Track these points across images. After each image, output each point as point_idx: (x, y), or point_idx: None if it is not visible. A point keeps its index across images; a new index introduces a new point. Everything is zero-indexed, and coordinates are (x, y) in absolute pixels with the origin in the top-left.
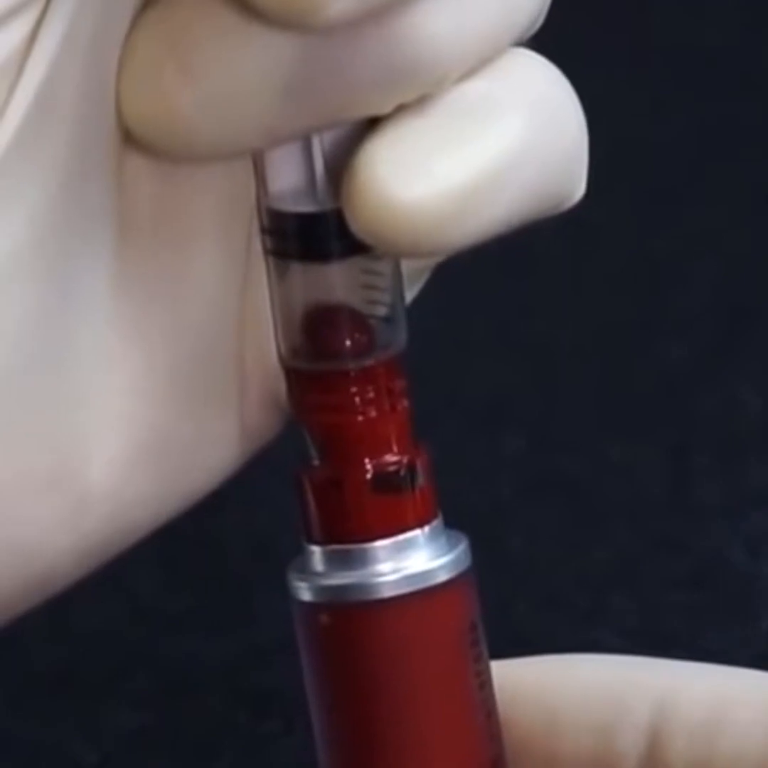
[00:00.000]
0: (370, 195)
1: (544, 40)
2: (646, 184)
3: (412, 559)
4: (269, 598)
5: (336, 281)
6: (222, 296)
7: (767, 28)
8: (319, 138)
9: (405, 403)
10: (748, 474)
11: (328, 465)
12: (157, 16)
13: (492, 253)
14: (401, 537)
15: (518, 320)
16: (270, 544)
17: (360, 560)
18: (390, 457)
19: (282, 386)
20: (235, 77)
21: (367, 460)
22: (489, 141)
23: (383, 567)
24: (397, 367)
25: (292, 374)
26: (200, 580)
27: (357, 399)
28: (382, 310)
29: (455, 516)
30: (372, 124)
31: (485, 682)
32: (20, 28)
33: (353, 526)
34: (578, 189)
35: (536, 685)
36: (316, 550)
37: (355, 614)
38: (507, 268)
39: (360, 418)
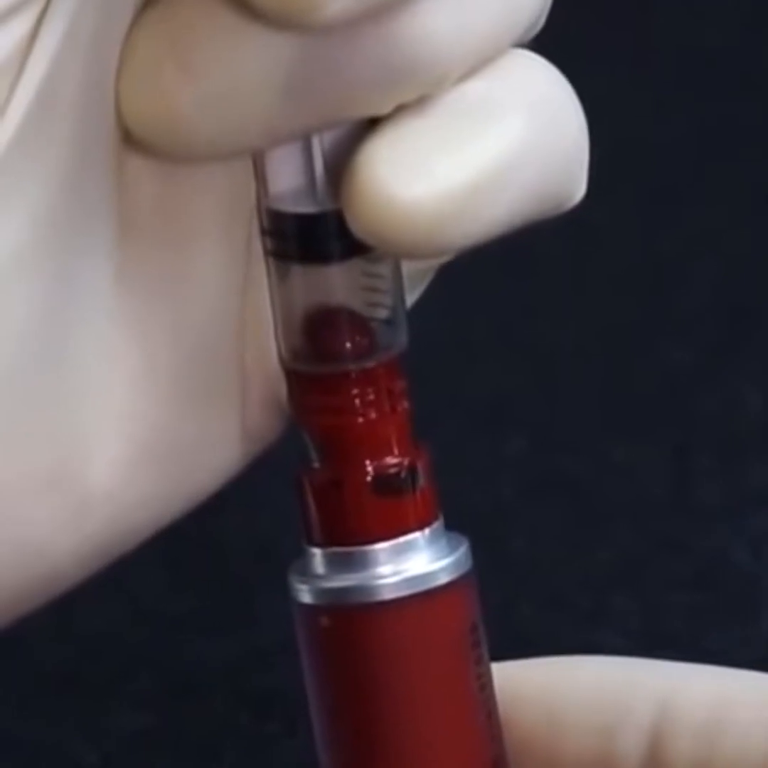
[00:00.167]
0: (370, 195)
1: (546, 41)
2: (648, 185)
3: (412, 562)
4: (271, 600)
5: (336, 283)
6: (223, 297)
7: None
8: (318, 138)
9: (405, 404)
10: (750, 474)
11: (328, 467)
12: (157, 16)
13: (493, 254)
14: (402, 539)
15: (519, 321)
16: (271, 546)
17: (360, 562)
18: (390, 459)
19: (283, 388)
20: (235, 77)
21: (367, 462)
22: (489, 141)
23: (384, 569)
24: (398, 369)
25: (292, 376)
26: (202, 581)
27: (357, 401)
28: (382, 312)
29: (457, 517)
30: (372, 125)
31: (486, 683)
32: (21, 25)
33: (354, 529)
34: (579, 190)
35: (538, 686)
36: (317, 553)
37: (356, 616)
38: (508, 269)
39: (360, 419)
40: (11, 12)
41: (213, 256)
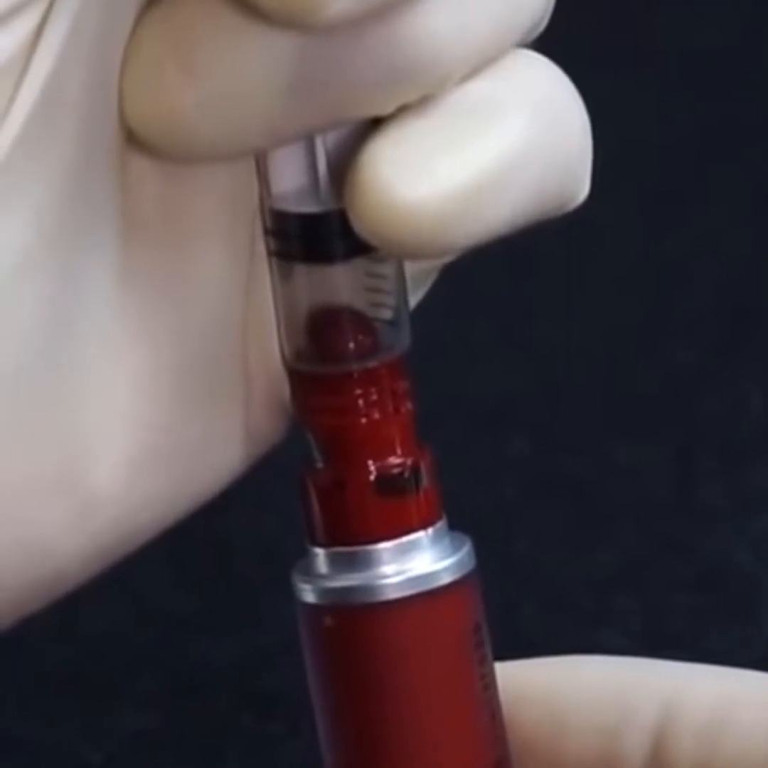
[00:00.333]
0: (373, 195)
1: (549, 42)
2: (651, 186)
3: (415, 561)
4: (275, 600)
5: (339, 283)
6: (226, 297)
7: None
8: (321, 138)
9: (409, 405)
10: (753, 475)
11: (331, 467)
12: (160, 16)
13: (496, 254)
14: (405, 539)
15: (522, 321)
16: (275, 546)
17: (364, 562)
18: (393, 459)
19: (286, 388)
20: (237, 77)
21: (370, 462)
22: (492, 141)
23: (387, 569)
24: (401, 369)
25: (295, 376)
26: (206, 581)
27: (360, 401)
28: (386, 313)
29: (460, 517)
30: (375, 124)
31: (489, 683)
32: (24, 25)
33: (357, 529)
34: (582, 190)
35: (541, 687)
36: (320, 553)
37: (359, 616)
38: (511, 269)
39: (363, 420)
40: (14, 12)
41: (216, 256)
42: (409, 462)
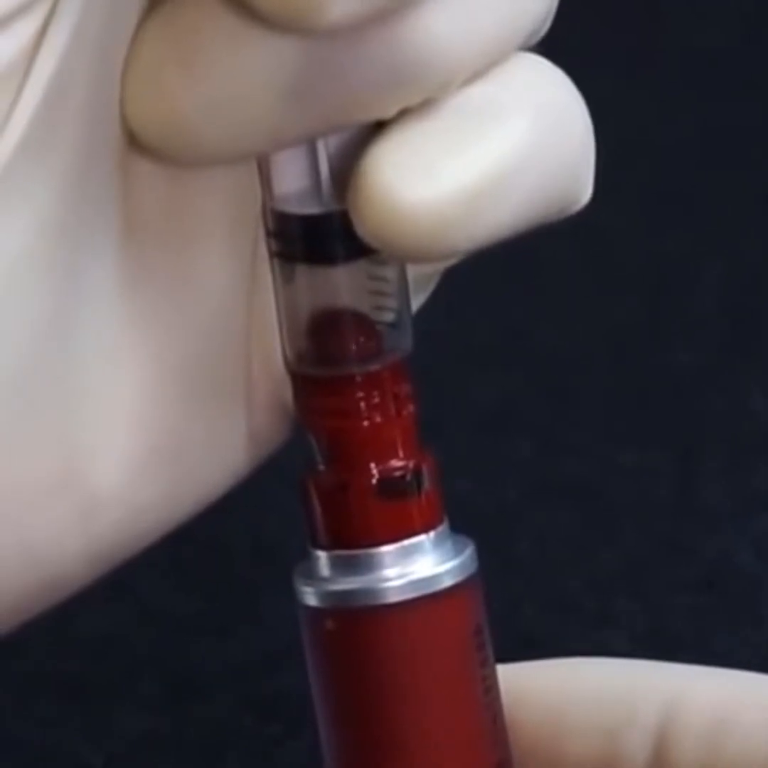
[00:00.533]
0: (375, 199)
1: (551, 43)
2: (654, 187)
3: (418, 564)
4: (276, 602)
5: (341, 285)
6: (229, 299)
7: None
8: (324, 141)
9: (411, 407)
10: (756, 477)
11: (333, 470)
12: (161, 19)
13: (498, 257)
14: (407, 542)
15: (525, 324)
16: (276, 548)
17: (366, 565)
18: (396, 462)
19: (289, 391)
20: (238, 81)
21: (372, 465)
22: (494, 144)
23: (389, 572)
24: (403, 372)
25: (297, 379)
26: (207, 583)
27: (362, 404)
28: (388, 316)
29: (462, 520)
30: (377, 127)
31: (491, 686)
32: (27, 27)
33: (359, 531)
34: (585, 193)
35: (543, 688)
36: (322, 555)
37: (361, 619)
38: (513, 272)
39: (365, 423)
40: (16, 14)
41: (219, 258)
42: (411, 465)
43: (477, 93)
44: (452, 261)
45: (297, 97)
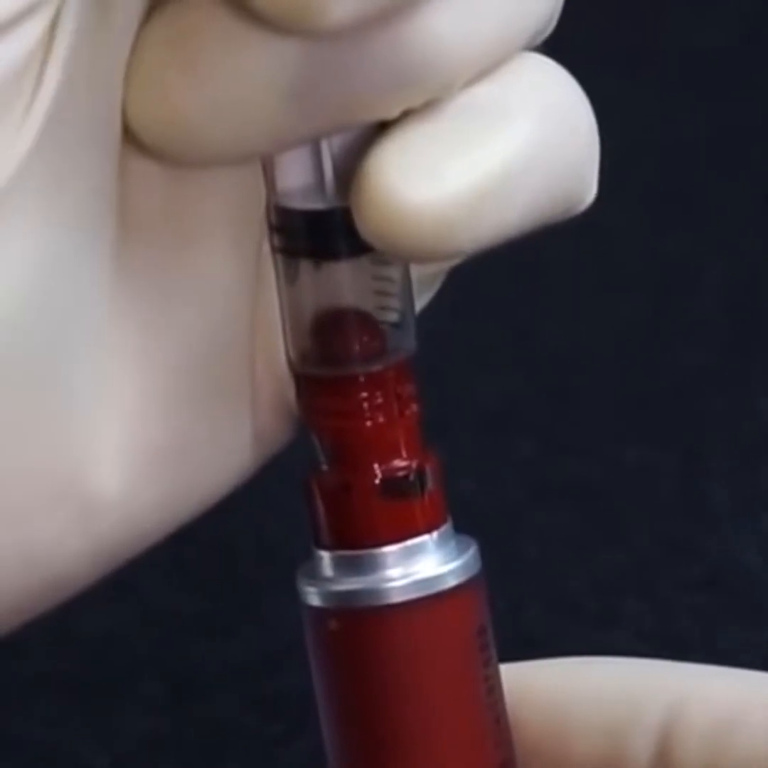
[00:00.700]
0: (379, 200)
1: (554, 42)
2: (657, 186)
3: (421, 565)
4: (278, 603)
5: (345, 283)
6: (232, 299)
7: None
8: (327, 140)
9: (414, 407)
10: (762, 477)
11: (336, 470)
12: (163, 21)
13: (503, 257)
14: (410, 542)
15: (529, 324)
16: (279, 548)
17: (369, 565)
18: (399, 462)
19: (293, 392)
20: (240, 82)
21: (376, 465)
22: (498, 145)
23: (392, 572)
24: (407, 372)
25: (301, 379)
26: (209, 583)
27: (366, 404)
28: (392, 316)
29: (466, 520)
30: (381, 125)
31: (494, 685)
32: (34, 28)
33: (362, 532)
34: (590, 192)
35: (547, 688)
36: (325, 556)
37: (364, 619)
38: (517, 272)
39: (369, 423)
40: (23, 16)
41: (222, 258)
42: (414, 465)
43: (481, 93)
44: (456, 261)
45: (299, 98)
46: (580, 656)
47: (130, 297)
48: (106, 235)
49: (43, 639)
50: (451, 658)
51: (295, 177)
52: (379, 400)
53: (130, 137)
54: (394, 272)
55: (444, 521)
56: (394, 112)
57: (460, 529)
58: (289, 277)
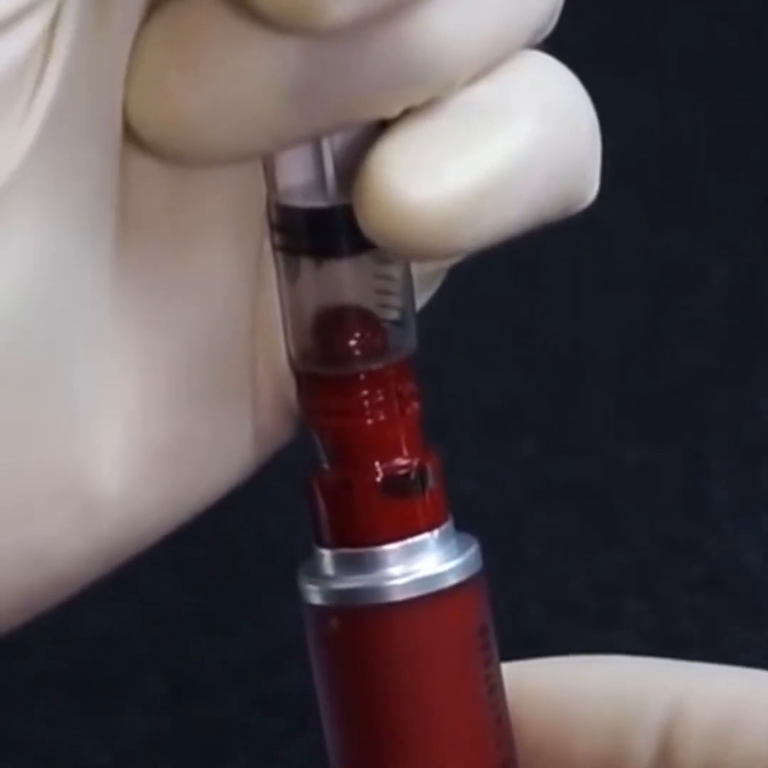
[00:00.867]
0: (381, 199)
1: (554, 40)
2: (658, 185)
3: (422, 563)
4: (279, 601)
5: (346, 281)
6: (233, 298)
7: None
8: (329, 139)
9: (415, 406)
10: (762, 477)
11: (337, 468)
12: (164, 21)
13: (503, 255)
14: (411, 540)
15: (530, 323)
16: (280, 546)
17: (370, 564)
18: (400, 461)
19: (294, 391)
20: (241, 81)
21: (377, 464)
22: (499, 143)
23: (393, 570)
24: (408, 371)
25: (301, 377)
26: (210, 582)
27: (367, 402)
28: (392, 314)
29: (467, 519)
30: (382, 124)
31: (495, 685)
32: (34, 26)
33: (363, 530)
34: (591, 191)
35: (549, 687)
36: (326, 554)
37: (366, 618)
38: (518, 271)
39: (370, 421)
40: (23, 13)
41: (223, 257)
42: (415, 463)
43: (482, 91)
44: (457, 260)
45: (300, 97)
46: (581, 655)
47: (130, 296)
48: (107, 234)
49: (43, 639)
50: (452, 657)
51: (296, 175)
52: (380, 399)
53: (130, 136)
54: (395, 270)
55: (445, 519)
56: (395, 111)
57: (460, 528)
58: (290, 276)
